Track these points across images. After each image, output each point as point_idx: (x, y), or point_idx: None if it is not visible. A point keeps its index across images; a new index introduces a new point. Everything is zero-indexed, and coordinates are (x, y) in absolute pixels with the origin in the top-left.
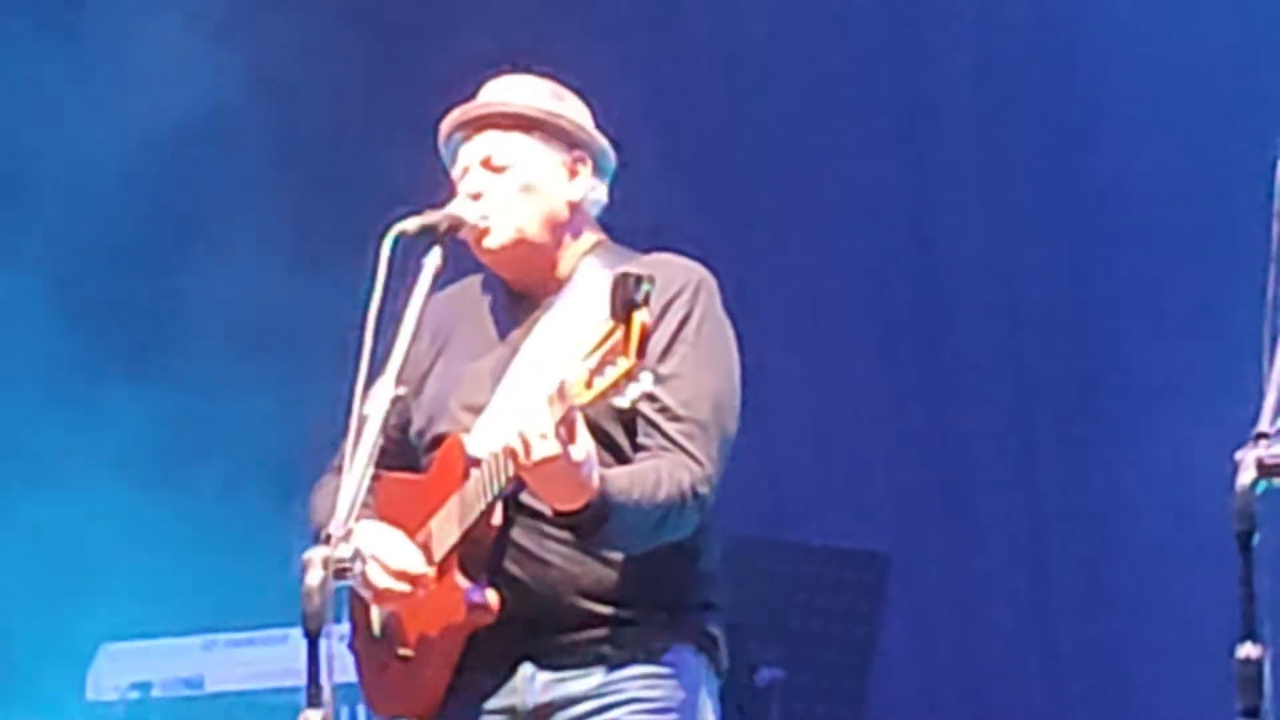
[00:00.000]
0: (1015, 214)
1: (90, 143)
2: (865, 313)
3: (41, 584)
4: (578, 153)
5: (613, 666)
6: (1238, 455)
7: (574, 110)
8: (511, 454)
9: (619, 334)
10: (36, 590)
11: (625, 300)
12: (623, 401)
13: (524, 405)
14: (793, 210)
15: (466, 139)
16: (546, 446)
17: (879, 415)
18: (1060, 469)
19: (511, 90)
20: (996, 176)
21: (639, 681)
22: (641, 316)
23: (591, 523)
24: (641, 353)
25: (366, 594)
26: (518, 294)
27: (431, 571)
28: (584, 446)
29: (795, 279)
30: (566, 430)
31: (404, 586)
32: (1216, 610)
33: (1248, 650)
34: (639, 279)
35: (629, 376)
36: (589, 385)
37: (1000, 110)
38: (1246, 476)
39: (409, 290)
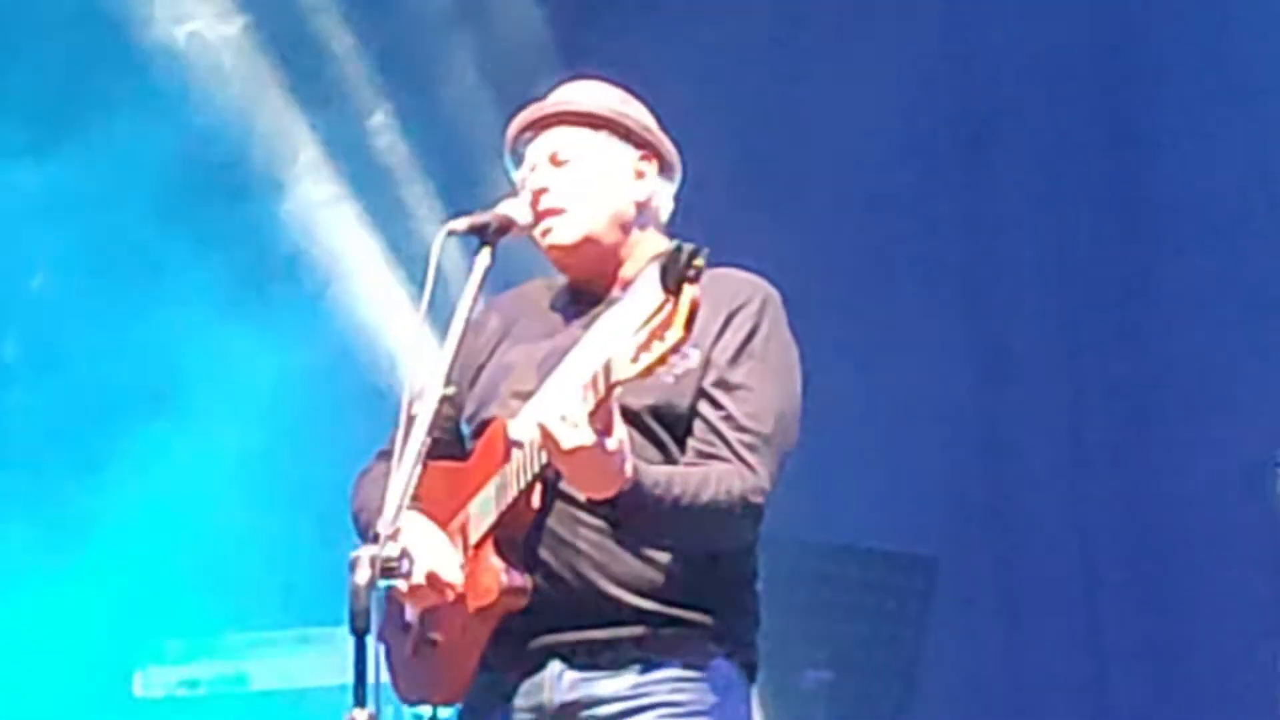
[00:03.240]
0: (1071, 221)
1: None
2: (918, 316)
3: (92, 583)
4: (644, 152)
5: (643, 669)
6: None
7: (640, 113)
8: (544, 441)
9: (668, 307)
10: (87, 591)
11: (676, 274)
12: (668, 377)
13: (559, 393)
14: (848, 214)
15: (534, 138)
16: (578, 435)
17: (929, 419)
18: (1109, 474)
19: (578, 92)
20: (1052, 182)
21: (668, 685)
22: (692, 291)
23: (624, 513)
24: (689, 327)
25: (401, 588)
26: (580, 291)
27: (459, 585)
28: (617, 437)
29: (849, 281)
30: (601, 420)
31: (432, 594)
32: (1263, 613)
33: None
34: (693, 251)
35: (676, 350)
36: (635, 360)
37: (1058, 117)
38: None
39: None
